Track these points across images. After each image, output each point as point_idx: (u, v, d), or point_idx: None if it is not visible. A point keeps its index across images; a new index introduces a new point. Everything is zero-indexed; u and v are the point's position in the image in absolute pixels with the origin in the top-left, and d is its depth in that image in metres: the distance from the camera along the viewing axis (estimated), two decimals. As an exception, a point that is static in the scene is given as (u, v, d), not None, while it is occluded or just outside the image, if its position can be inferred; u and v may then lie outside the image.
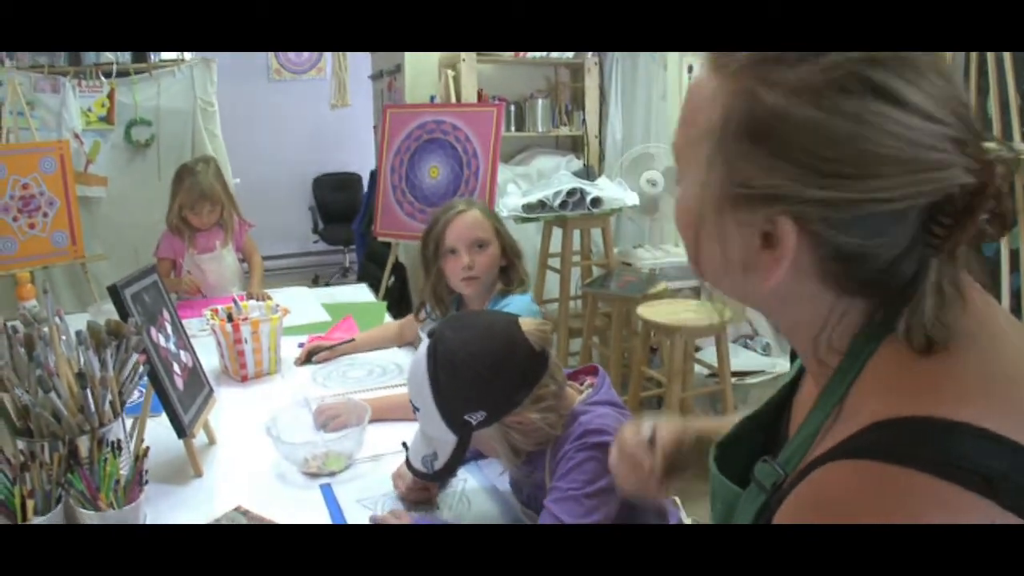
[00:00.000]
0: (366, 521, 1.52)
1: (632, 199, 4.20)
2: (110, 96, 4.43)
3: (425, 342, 1.40)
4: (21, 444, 1.38)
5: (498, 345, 1.36)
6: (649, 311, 3.49)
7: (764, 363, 4.01)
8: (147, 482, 1.41)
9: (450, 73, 4.62)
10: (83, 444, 1.39)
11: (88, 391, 1.39)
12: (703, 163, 0.72)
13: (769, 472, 0.77)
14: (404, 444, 1.56)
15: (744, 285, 0.75)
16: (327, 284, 7.07)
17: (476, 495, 1.62)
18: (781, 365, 3.99)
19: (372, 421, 1.77)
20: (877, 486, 0.62)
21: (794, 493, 0.70)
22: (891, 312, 0.71)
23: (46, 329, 1.45)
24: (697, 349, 3.77)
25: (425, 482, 1.57)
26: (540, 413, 1.36)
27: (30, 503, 1.28)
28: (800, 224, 0.67)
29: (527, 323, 1.39)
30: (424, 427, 1.42)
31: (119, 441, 1.44)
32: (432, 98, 4.72)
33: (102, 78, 4.40)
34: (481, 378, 1.33)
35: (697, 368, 3.75)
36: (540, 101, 4.93)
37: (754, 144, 0.68)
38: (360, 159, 7.55)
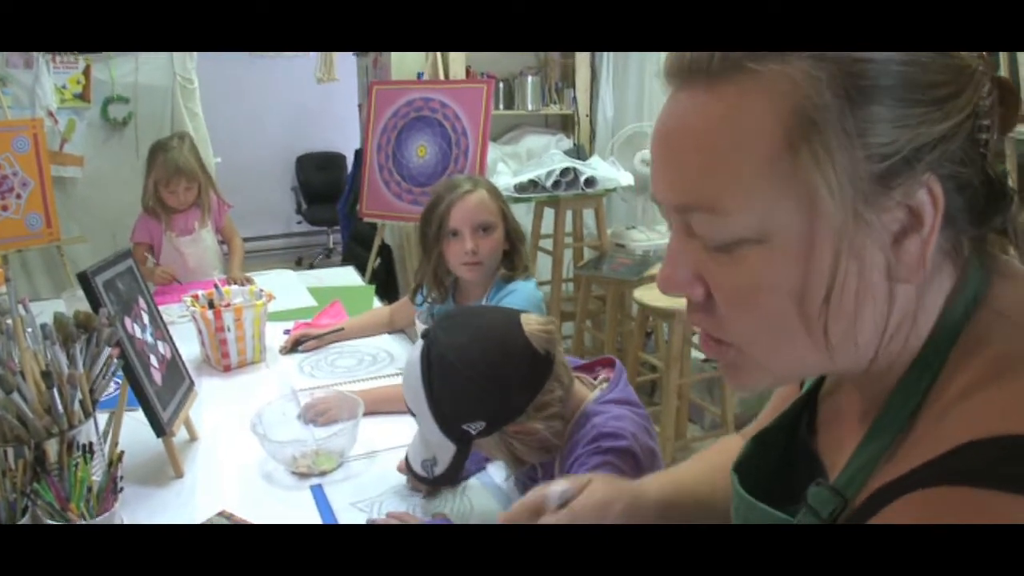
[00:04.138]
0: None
1: (626, 179, 4.10)
2: (86, 72, 4.27)
3: (419, 344, 1.29)
4: (-18, 449, 1.26)
5: (496, 350, 1.24)
6: (645, 295, 3.40)
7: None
8: (122, 489, 1.29)
9: (438, 49, 4.50)
10: (51, 448, 1.27)
11: (55, 390, 1.27)
12: (822, 162, 0.56)
13: (827, 498, 0.66)
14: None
15: (888, 307, 0.61)
16: (311, 266, 6.98)
17: (478, 496, 1.52)
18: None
19: (365, 415, 1.67)
20: (985, 519, 0.51)
21: (873, 522, 0.60)
22: (967, 296, 0.62)
23: (9, 321, 1.33)
24: (693, 333, 3.68)
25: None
26: (544, 422, 1.25)
27: (-8, 515, 1.16)
28: (938, 173, 0.58)
29: (530, 322, 1.27)
30: (422, 431, 1.32)
31: (91, 444, 1.32)
32: (419, 75, 4.59)
33: (77, 53, 4.24)
34: (478, 387, 1.22)
35: (693, 353, 3.66)
36: (530, 79, 4.82)
37: (878, 102, 0.56)
38: (344, 138, 7.41)
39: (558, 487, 0.93)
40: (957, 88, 0.57)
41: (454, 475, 1.31)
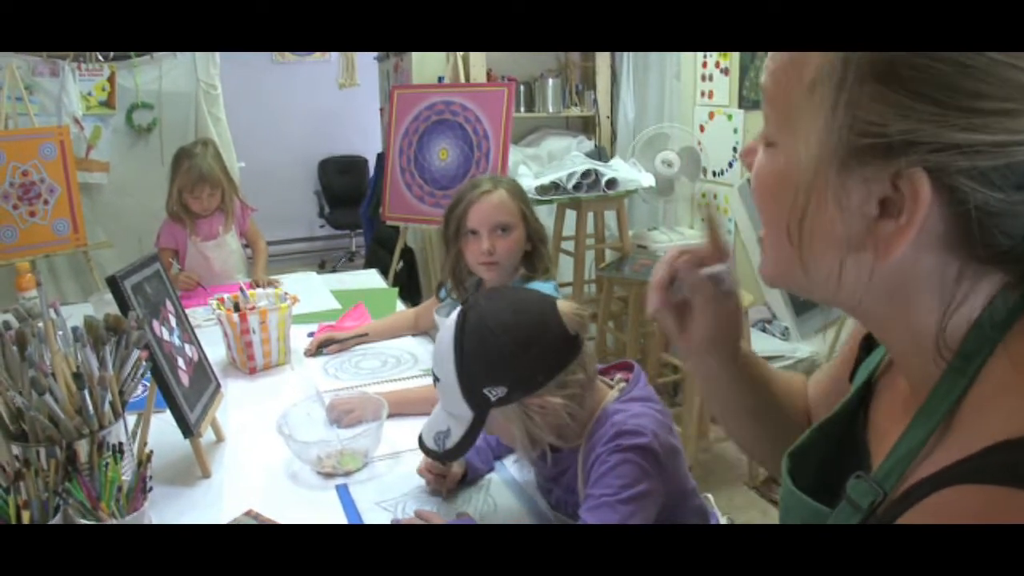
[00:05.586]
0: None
1: (648, 180, 4.09)
2: (110, 80, 4.32)
3: (458, 309, 1.32)
4: (15, 450, 1.29)
5: (531, 320, 1.27)
6: (667, 295, 3.39)
7: (784, 348, 3.91)
8: (151, 488, 1.32)
9: (458, 53, 4.51)
10: (82, 449, 1.29)
11: (86, 392, 1.29)
12: (819, 114, 0.61)
13: (866, 490, 0.66)
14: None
15: (852, 271, 0.64)
16: (334, 269, 7.01)
17: (501, 494, 1.53)
18: (801, 350, 3.89)
19: (389, 416, 1.68)
20: (1013, 518, 0.52)
21: (905, 519, 0.60)
22: (1020, 294, 0.61)
23: (41, 325, 1.35)
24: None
25: (440, 470, 1.53)
26: (564, 400, 1.27)
27: (25, 514, 1.18)
28: (936, 177, 0.57)
29: (564, 305, 1.29)
30: (442, 400, 1.34)
31: (120, 444, 1.34)
32: (440, 79, 4.61)
33: (102, 61, 4.29)
34: (508, 350, 1.24)
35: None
36: (550, 81, 4.82)
37: (884, 83, 0.57)
38: (366, 142, 7.44)
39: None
40: (1017, 108, 0.55)
41: (464, 448, 1.32)
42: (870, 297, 0.66)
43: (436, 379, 1.33)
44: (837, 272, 0.64)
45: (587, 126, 5.04)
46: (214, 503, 1.52)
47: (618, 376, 1.42)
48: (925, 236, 0.59)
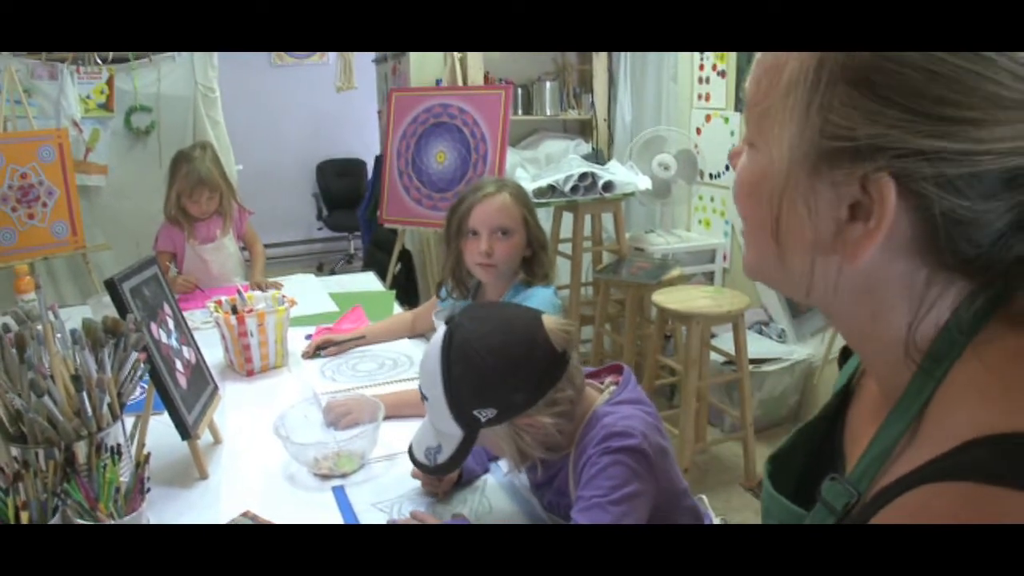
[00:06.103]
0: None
1: (644, 183, 4.10)
2: (109, 82, 4.32)
3: (442, 329, 1.32)
4: (14, 451, 1.30)
5: (517, 341, 1.28)
6: (664, 298, 3.40)
7: (780, 350, 3.92)
8: (149, 490, 1.33)
9: (456, 56, 4.52)
10: (80, 450, 1.30)
11: (85, 394, 1.30)
12: (792, 117, 0.62)
13: (840, 492, 0.68)
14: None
15: (821, 273, 0.65)
16: (332, 272, 7.01)
17: (496, 496, 1.55)
18: (798, 352, 3.90)
19: (385, 418, 1.69)
20: (985, 513, 0.53)
21: (879, 518, 0.61)
22: (987, 299, 0.61)
23: (40, 327, 1.36)
24: (712, 336, 3.69)
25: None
26: (553, 418, 1.28)
27: (24, 515, 1.19)
28: (903, 183, 0.57)
29: (550, 322, 1.30)
30: (431, 418, 1.35)
31: (119, 446, 1.35)
32: (438, 82, 4.62)
33: (100, 64, 4.29)
34: (495, 374, 1.25)
35: (712, 356, 3.67)
36: (548, 84, 4.83)
37: (854, 88, 0.58)
38: (364, 144, 7.45)
39: None
40: (983, 117, 0.55)
41: (455, 464, 1.34)
42: (840, 299, 0.67)
43: (424, 397, 1.34)
44: (809, 272, 0.65)
45: (584, 129, 5.05)
46: (211, 504, 1.54)
47: (608, 379, 1.43)
48: (894, 241, 0.60)
